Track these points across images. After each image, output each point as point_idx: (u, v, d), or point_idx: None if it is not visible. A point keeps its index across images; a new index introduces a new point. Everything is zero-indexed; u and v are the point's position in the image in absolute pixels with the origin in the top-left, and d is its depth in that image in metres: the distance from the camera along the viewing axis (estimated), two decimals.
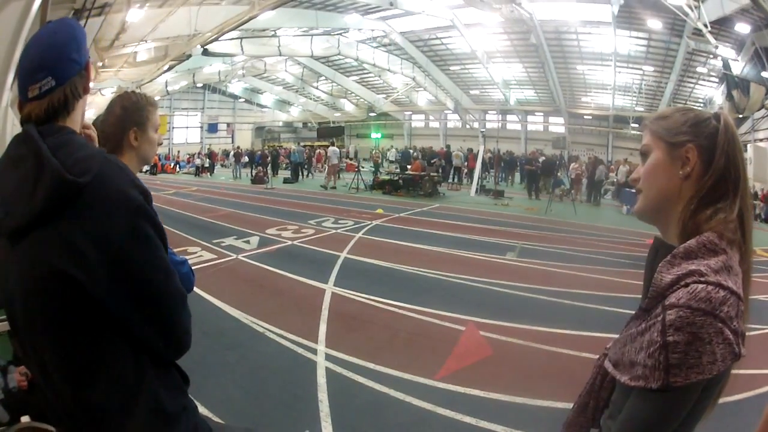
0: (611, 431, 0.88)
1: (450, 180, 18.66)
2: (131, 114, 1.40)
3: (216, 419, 2.52)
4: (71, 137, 0.90)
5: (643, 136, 0.96)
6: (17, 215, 0.84)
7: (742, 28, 13.19)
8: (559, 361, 3.57)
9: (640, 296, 0.93)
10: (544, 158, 16.85)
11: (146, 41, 10.52)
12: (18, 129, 0.92)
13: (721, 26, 13.20)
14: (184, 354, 1.02)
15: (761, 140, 17.42)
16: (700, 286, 0.76)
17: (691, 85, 20.23)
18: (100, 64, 10.28)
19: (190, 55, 14.27)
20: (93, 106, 18.88)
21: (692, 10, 11.53)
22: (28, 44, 0.93)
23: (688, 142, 0.87)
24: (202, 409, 1.23)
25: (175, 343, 0.99)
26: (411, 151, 23.76)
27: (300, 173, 19.91)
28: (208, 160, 24.18)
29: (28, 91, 0.90)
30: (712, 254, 0.80)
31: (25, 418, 2.04)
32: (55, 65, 0.89)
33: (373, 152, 25.12)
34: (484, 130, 21.04)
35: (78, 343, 0.87)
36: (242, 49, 16.87)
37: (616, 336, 0.96)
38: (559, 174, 16.36)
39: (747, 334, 0.79)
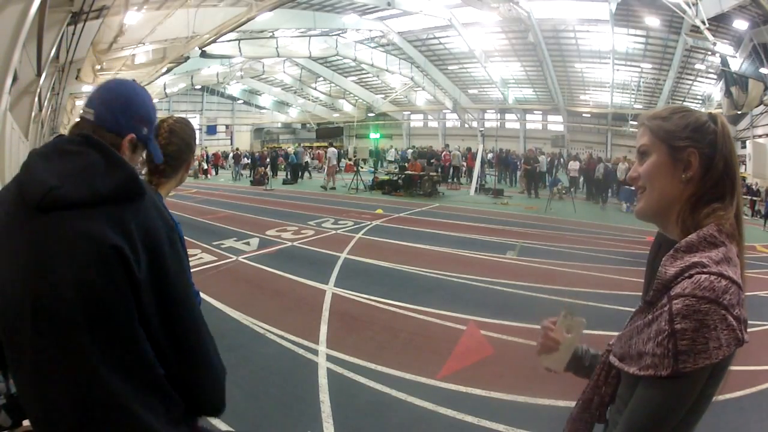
0: (620, 423, 0.88)
1: (449, 179, 18.67)
2: (194, 140, 1.55)
3: (215, 421, 2.52)
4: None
5: (641, 134, 0.97)
6: (78, 189, 0.87)
7: (740, 24, 13.22)
8: None
9: (641, 293, 0.94)
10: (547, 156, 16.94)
11: (144, 43, 10.52)
12: (16, 131, 0.94)
13: (719, 23, 13.23)
14: (218, 408, 1.04)
15: (760, 136, 17.42)
16: (704, 276, 0.79)
17: (690, 82, 20.25)
18: (98, 67, 10.28)
19: (188, 57, 14.30)
20: None
21: (690, 7, 11.54)
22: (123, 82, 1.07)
23: (690, 146, 0.90)
24: None
25: (206, 387, 1.01)
26: (409, 151, 23.74)
27: (300, 175, 19.92)
28: (205, 164, 24.15)
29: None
30: (712, 247, 0.84)
31: (26, 422, 2.04)
32: (100, 104, 1.00)
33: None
34: (482, 129, 21.06)
35: (125, 319, 0.89)
36: (240, 51, 16.88)
37: (618, 333, 0.97)
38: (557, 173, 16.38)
39: (748, 330, 0.81)
